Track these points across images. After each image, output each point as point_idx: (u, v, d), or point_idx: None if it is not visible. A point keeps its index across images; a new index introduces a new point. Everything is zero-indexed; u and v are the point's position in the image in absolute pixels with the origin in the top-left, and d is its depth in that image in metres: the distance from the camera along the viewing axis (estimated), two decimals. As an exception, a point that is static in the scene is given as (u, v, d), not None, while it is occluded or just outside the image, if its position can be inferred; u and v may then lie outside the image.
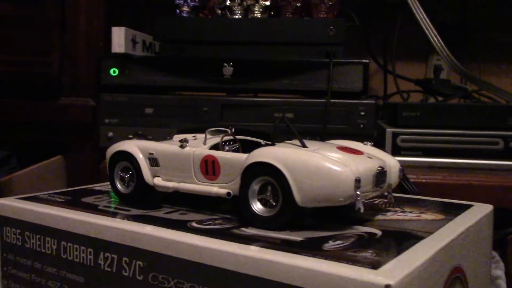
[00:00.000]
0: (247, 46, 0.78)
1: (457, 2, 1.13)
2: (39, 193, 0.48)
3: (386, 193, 0.41)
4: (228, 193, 0.39)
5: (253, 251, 0.31)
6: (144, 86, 0.76)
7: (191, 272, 0.33)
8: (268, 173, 0.36)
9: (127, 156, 0.44)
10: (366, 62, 0.74)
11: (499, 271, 0.59)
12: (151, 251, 0.35)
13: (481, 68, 1.12)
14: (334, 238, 0.34)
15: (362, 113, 0.72)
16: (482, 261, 0.42)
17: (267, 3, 0.81)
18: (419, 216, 0.41)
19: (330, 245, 0.32)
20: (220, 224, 0.38)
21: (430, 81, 0.97)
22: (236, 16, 0.82)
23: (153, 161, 0.43)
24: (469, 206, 0.44)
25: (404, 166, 0.69)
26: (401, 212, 0.42)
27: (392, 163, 0.42)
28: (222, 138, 0.43)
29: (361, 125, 0.72)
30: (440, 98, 0.96)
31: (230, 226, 0.37)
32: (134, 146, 0.44)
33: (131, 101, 0.75)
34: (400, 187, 0.65)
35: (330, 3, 0.80)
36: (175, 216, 0.40)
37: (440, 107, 0.79)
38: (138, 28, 0.82)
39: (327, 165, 0.34)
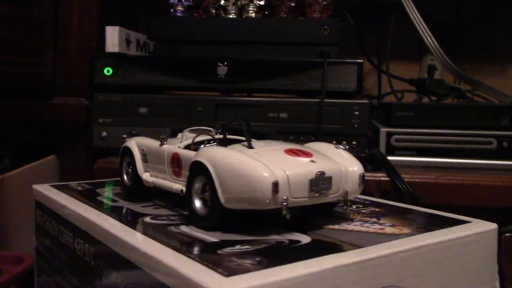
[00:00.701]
0: (242, 46, 0.78)
1: (451, 2, 1.13)
2: (70, 182, 0.54)
3: (342, 201, 0.38)
4: (182, 190, 0.40)
5: (138, 241, 0.33)
6: (138, 85, 0.76)
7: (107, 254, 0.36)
8: (203, 172, 0.36)
9: (129, 152, 0.47)
10: (360, 62, 0.74)
11: (492, 271, 0.59)
12: (97, 238, 0.38)
13: (474, 68, 1.13)
14: (246, 242, 0.33)
15: (356, 113, 0.72)
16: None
17: (262, 2, 0.81)
18: (383, 228, 0.37)
19: (230, 249, 0.31)
20: (169, 220, 0.39)
21: (424, 81, 0.97)
22: (231, 16, 0.82)
23: (144, 157, 0.45)
24: (464, 222, 0.39)
25: (398, 165, 0.69)
26: (369, 223, 0.39)
27: (351, 168, 0.38)
28: (194, 138, 0.43)
29: (355, 125, 0.72)
30: (434, 98, 0.96)
31: (173, 223, 0.38)
32: (134, 142, 0.47)
33: (125, 100, 0.75)
34: (394, 187, 0.66)
35: (325, 3, 0.80)
36: (143, 209, 0.43)
37: (434, 107, 0.79)
38: (132, 28, 0.82)
39: (247, 167, 0.33)
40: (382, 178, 0.67)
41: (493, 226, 0.38)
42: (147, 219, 0.40)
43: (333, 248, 0.32)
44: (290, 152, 0.36)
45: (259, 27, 0.78)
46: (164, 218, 0.40)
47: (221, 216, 0.35)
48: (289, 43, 0.78)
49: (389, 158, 0.70)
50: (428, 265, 0.34)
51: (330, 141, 0.72)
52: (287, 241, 0.33)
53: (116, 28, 0.76)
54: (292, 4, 0.82)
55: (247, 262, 0.29)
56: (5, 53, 0.77)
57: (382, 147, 0.74)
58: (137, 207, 0.44)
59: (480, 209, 0.67)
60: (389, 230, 0.37)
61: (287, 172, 0.34)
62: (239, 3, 0.82)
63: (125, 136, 0.74)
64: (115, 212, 0.42)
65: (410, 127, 0.75)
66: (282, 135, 0.73)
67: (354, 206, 0.44)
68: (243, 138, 0.44)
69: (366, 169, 0.69)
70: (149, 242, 0.33)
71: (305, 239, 0.34)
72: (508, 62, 1.14)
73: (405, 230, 0.36)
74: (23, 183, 0.74)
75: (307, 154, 0.36)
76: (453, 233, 0.36)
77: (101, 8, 0.77)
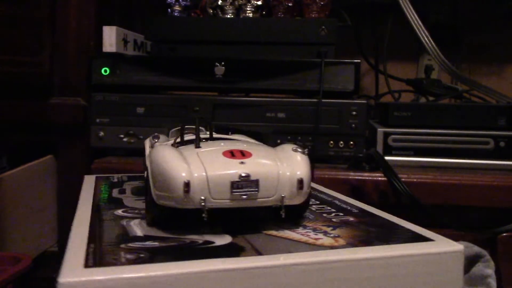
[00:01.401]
0: (239, 46, 0.78)
1: (448, 3, 1.14)
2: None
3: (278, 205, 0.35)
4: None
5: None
6: (136, 85, 0.76)
7: None
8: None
9: None
10: (357, 62, 0.74)
11: (489, 270, 0.60)
12: None
13: (471, 68, 1.13)
14: (161, 239, 0.33)
15: (354, 113, 0.72)
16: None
17: (259, 2, 0.81)
18: (319, 239, 0.34)
19: (134, 243, 0.32)
20: (135, 214, 0.41)
21: (421, 81, 0.97)
22: (228, 16, 0.82)
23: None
24: (427, 240, 0.34)
25: (395, 165, 0.69)
26: (316, 231, 0.36)
27: (288, 173, 0.35)
28: (176, 138, 0.43)
29: (353, 125, 0.72)
30: (431, 98, 0.96)
31: (133, 217, 0.40)
32: (148, 141, 0.47)
33: (123, 100, 0.75)
34: (391, 187, 0.66)
35: (322, 3, 0.80)
36: (137, 203, 0.45)
37: (431, 107, 0.79)
38: (129, 27, 0.82)
39: (167, 166, 0.34)
40: (379, 178, 0.68)
41: (455, 247, 0.33)
42: (119, 211, 0.41)
43: (233, 252, 0.31)
44: (227, 153, 0.35)
45: (257, 27, 0.78)
46: (136, 212, 0.41)
47: (155, 212, 0.36)
48: (286, 43, 0.78)
49: (386, 158, 0.70)
50: (339, 282, 0.30)
51: (327, 142, 0.73)
52: (200, 241, 0.33)
53: (114, 28, 0.76)
54: (290, 4, 0.82)
55: (129, 256, 0.29)
56: (2, 53, 0.77)
57: (380, 147, 0.75)
58: (136, 202, 0.45)
59: (477, 209, 0.67)
60: (325, 241, 0.33)
61: (207, 173, 0.33)
62: (236, 3, 0.82)
63: (122, 136, 0.74)
64: (112, 203, 0.44)
65: (407, 127, 0.75)
66: (280, 135, 0.73)
67: (329, 214, 0.42)
68: (231, 138, 0.45)
69: (363, 169, 0.70)
70: (76, 227, 0.36)
71: (223, 241, 0.33)
72: (505, 62, 1.15)
73: (341, 242, 0.33)
74: (21, 183, 0.74)
75: (244, 156, 0.35)
76: (389, 251, 0.32)
77: (99, 8, 0.77)
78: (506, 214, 0.67)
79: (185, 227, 0.35)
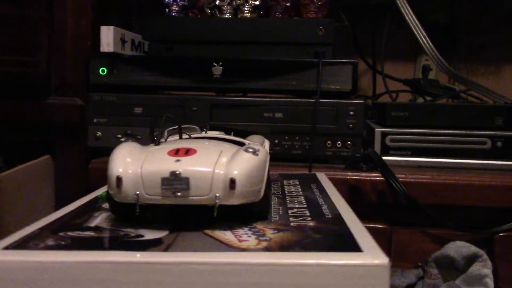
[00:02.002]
0: (237, 46, 0.78)
1: (446, 3, 1.14)
2: None
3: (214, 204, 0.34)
4: None
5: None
6: (133, 85, 0.76)
7: None
8: None
9: None
10: (355, 62, 0.74)
11: (486, 270, 0.60)
12: None
13: (468, 68, 1.13)
14: (100, 230, 0.36)
15: (351, 113, 0.72)
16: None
17: (257, 2, 0.81)
18: (246, 241, 0.33)
19: (68, 232, 0.35)
20: None
21: (419, 81, 0.97)
22: (226, 16, 0.82)
23: None
24: (357, 250, 0.31)
25: (393, 165, 0.69)
26: (251, 234, 0.34)
27: (222, 172, 0.34)
28: (167, 137, 0.43)
29: (350, 125, 0.72)
30: (428, 98, 0.96)
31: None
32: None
33: (120, 100, 0.75)
34: (389, 187, 0.66)
35: (320, 3, 0.81)
36: None
37: (429, 107, 0.79)
38: (127, 27, 0.82)
39: (109, 161, 0.36)
40: (377, 178, 0.68)
41: (378, 261, 0.29)
42: (107, 204, 0.42)
43: (144, 247, 0.31)
44: (172, 150, 0.36)
45: (254, 27, 0.78)
46: None
47: (110, 205, 0.37)
48: (284, 43, 0.78)
49: (384, 158, 0.70)
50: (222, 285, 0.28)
51: (324, 142, 0.73)
52: (133, 235, 0.34)
53: (111, 27, 0.76)
54: (287, 4, 0.82)
55: (50, 243, 0.32)
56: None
57: (377, 147, 0.75)
58: None
59: (475, 209, 0.67)
60: (250, 243, 0.32)
61: (142, 169, 0.34)
62: (234, 3, 0.82)
63: (120, 136, 0.74)
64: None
65: (405, 127, 0.75)
66: (278, 135, 0.73)
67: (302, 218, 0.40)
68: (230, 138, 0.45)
69: (360, 169, 0.70)
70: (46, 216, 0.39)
71: (152, 236, 0.34)
72: (502, 62, 1.15)
73: (261, 245, 0.32)
74: (17, 183, 0.74)
75: (187, 154, 0.35)
76: (291, 258, 0.29)
77: (96, 7, 0.77)
78: (504, 214, 0.67)
79: (140, 221, 0.36)
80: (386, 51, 1.05)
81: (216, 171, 0.34)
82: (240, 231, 0.35)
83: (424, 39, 0.83)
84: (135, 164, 0.35)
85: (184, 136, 0.45)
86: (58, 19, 0.76)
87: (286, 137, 0.73)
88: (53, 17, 0.76)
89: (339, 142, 0.73)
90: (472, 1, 1.13)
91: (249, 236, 0.34)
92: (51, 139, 0.77)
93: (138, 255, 0.29)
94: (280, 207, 0.42)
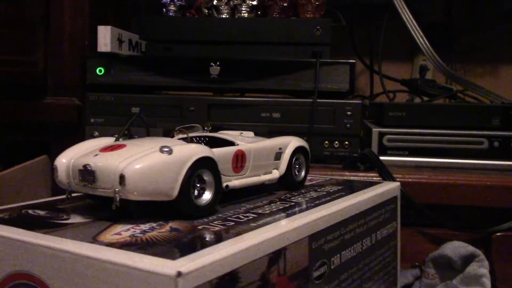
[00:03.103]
0: (234, 46, 0.78)
1: (443, 3, 1.14)
2: None
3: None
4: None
5: None
6: (130, 85, 0.75)
7: None
8: None
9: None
10: (352, 62, 0.74)
11: (483, 270, 0.60)
12: None
13: (466, 68, 1.14)
14: (52, 211, 0.39)
15: (349, 113, 0.72)
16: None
17: (254, 2, 0.81)
18: (119, 235, 0.32)
19: (32, 210, 0.39)
20: None
21: (416, 81, 0.97)
22: (223, 16, 0.82)
23: None
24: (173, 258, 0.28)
25: (390, 165, 0.69)
26: (143, 228, 0.34)
27: (117, 167, 0.35)
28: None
29: (348, 125, 0.72)
30: (425, 98, 0.97)
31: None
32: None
33: (117, 100, 0.75)
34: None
35: (317, 3, 0.81)
36: None
37: (426, 107, 0.80)
38: (124, 27, 0.82)
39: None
40: (374, 178, 0.68)
41: (168, 271, 0.26)
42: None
43: (41, 227, 0.34)
44: (107, 147, 0.38)
45: (252, 27, 0.78)
46: None
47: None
48: (281, 43, 0.78)
49: (381, 158, 0.70)
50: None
51: (322, 142, 0.73)
52: (64, 217, 0.38)
53: (108, 27, 0.76)
54: (285, 4, 0.82)
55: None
56: (-4, 53, 0.77)
57: (374, 147, 0.75)
58: None
59: (472, 209, 0.67)
60: (112, 238, 0.32)
61: (72, 161, 0.38)
62: (231, 3, 0.81)
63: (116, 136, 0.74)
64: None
65: (402, 127, 0.75)
66: (275, 135, 0.73)
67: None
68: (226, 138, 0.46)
69: (358, 169, 0.70)
70: None
71: (76, 220, 0.37)
72: (499, 62, 1.15)
73: (120, 241, 0.31)
74: (14, 183, 0.73)
75: (112, 150, 0.37)
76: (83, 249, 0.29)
77: (93, 7, 0.77)
78: (500, 214, 0.67)
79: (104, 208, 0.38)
80: (383, 51, 1.05)
81: (118, 166, 0.35)
82: (134, 226, 0.34)
83: (421, 39, 0.83)
84: (69, 156, 0.39)
85: (180, 135, 0.45)
86: (55, 19, 0.76)
87: (284, 137, 0.73)
88: (50, 17, 0.76)
89: (336, 142, 0.73)
90: (469, 1, 1.13)
91: (127, 231, 0.33)
92: (48, 139, 0.77)
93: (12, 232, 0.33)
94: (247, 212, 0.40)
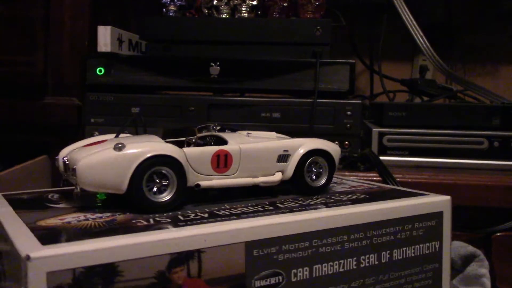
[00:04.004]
0: (234, 46, 0.78)
1: (443, 3, 1.14)
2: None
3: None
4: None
5: None
6: (130, 85, 0.75)
7: None
8: None
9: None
10: (352, 62, 0.74)
11: (483, 270, 0.60)
12: None
13: (465, 68, 1.14)
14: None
15: (349, 112, 0.72)
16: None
17: (254, 2, 0.81)
18: (63, 220, 0.36)
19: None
20: None
21: (416, 81, 0.97)
22: (223, 16, 0.82)
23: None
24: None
25: (390, 165, 0.69)
26: (86, 217, 0.37)
27: (78, 162, 0.38)
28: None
29: (348, 125, 0.72)
30: (425, 98, 0.97)
31: None
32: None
33: (117, 100, 0.75)
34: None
35: (317, 3, 0.81)
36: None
37: (426, 107, 0.80)
38: (124, 27, 0.82)
39: None
40: (374, 178, 0.68)
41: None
42: None
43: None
44: (91, 142, 0.44)
45: (252, 27, 0.78)
46: None
47: None
48: (281, 43, 0.78)
49: (381, 158, 0.71)
50: None
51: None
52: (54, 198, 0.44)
53: (108, 27, 0.76)
54: (285, 4, 0.82)
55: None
56: (-4, 53, 0.77)
57: (374, 147, 0.75)
58: None
59: (472, 209, 0.67)
60: (56, 222, 0.36)
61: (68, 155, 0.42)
62: (231, 3, 0.81)
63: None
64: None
65: (402, 127, 0.75)
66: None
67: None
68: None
69: (358, 169, 0.70)
70: None
71: (65, 206, 0.41)
72: (499, 62, 1.15)
73: (59, 226, 0.35)
74: (14, 183, 0.73)
75: (89, 145, 0.43)
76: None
77: (93, 7, 0.77)
78: (500, 214, 0.67)
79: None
80: (383, 51, 1.05)
81: (76, 160, 0.39)
82: (86, 215, 0.38)
83: (421, 39, 0.83)
84: (70, 149, 0.44)
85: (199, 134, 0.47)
86: (55, 19, 0.76)
87: (284, 137, 0.73)
88: (50, 17, 0.76)
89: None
90: (469, 1, 1.13)
91: (73, 218, 0.37)
92: (48, 139, 0.77)
93: None
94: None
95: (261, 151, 0.45)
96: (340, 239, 0.39)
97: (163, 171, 0.39)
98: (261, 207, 0.41)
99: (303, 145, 0.47)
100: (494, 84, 1.12)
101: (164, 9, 0.83)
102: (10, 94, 0.77)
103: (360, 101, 0.73)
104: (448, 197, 0.45)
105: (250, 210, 0.39)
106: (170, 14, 0.83)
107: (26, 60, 0.77)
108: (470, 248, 0.61)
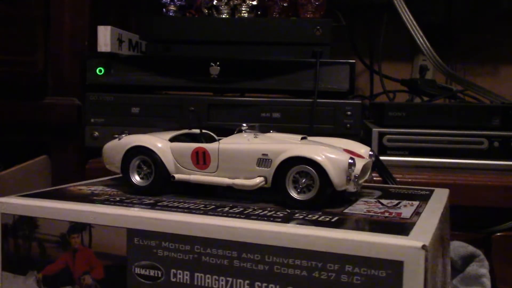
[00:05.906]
0: (234, 46, 0.78)
1: (443, 3, 1.14)
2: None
3: None
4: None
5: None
6: (130, 85, 0.75)
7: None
8: None
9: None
10: (352, 62, 0.74)
11: (483, 270, 0.60)
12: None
13: (465, 68, 1.14)
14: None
15: (349, 113, 0.72)
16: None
17: (254, 2, 0.81)
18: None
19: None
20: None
21: (416, 81, 0.97)
22: (223, 16, 0.82)
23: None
24: None
25: (390, 165, 0.69)
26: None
27: None
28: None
29: (348, 125, 0.72)
30: (425, 98, 0.97)
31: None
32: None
33: (117, 100, 0.75)
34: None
35: (317, 3, 0.81)
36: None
37: (426, 107, 0.80)
38: (124, 27, 0.82)
39: None
40: (374, 178, 0.68)
41: None
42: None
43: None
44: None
45: (252, 27, 0.78)
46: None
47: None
48: (281, 43, 0.78)
49: (381, 158, 0.71)
50: None
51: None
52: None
53: (108, 27, 0.76)
54: (285, 4, 0.82)
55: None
56: (-4, 53, 0.77)
57: (374, 147, 0.75)
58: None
59: (472, 209, 0.67)
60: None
61: None
62: (231, 3, 0.81)
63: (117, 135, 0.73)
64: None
65: (402, 127, 0.75)
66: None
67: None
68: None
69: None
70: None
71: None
72: (499, 62, 1.15)
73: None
74: (14, 183, 0.73)
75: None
76: None
77: (93, 7, 0.77)
78: (501, 214, 0.67)
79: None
80: (383, 51, 1.05)
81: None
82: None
83: (421, 39, 0.83)
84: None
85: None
86: (55, 19, 0.76)
87: (284, 137, 0.73)
88: (50, 17, 0.76)
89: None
90: (469, 1, 1.13)
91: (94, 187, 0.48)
92: (48, 139, 0.77)
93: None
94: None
95: (239, 153, 0.43)
96: (227, 253, 0.35)
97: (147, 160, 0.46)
98: (202, 207, 0.40)
99: (285, 152, 0.41)
100: (494, 84, 1.12)
101: (164, 9, 0.83)
102: (10, 94, 0.77)
103: (360, 101, 0.74)
104: (420, 243, 0.30)
105: (192, 207, 0.41)
106: (170, 14, 0.83)
107: (26, 60, 0.77)
108: (470, 248, 0.61)
